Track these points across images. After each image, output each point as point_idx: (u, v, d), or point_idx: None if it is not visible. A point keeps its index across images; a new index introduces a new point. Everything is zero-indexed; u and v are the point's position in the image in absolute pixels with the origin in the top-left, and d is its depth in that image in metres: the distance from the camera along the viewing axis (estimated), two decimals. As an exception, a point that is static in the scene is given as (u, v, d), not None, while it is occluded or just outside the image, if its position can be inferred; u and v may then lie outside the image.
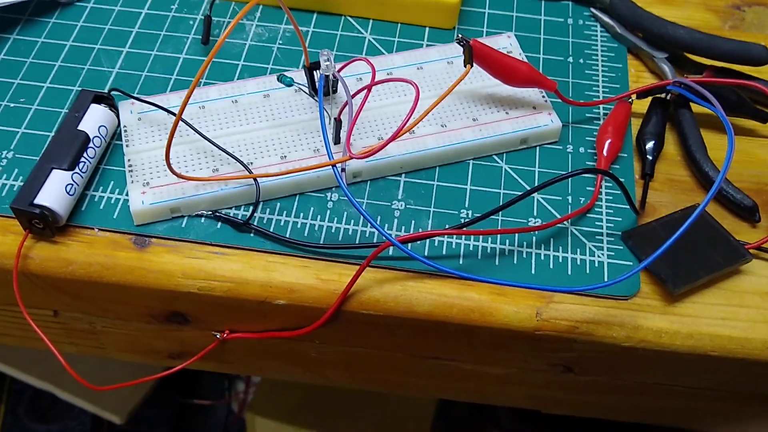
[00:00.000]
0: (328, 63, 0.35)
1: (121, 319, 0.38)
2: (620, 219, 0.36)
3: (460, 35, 0.35)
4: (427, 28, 0.43)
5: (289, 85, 0.37)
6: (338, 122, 0.35)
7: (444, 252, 0.35)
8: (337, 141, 0.36)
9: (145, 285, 0.34)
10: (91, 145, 0.36)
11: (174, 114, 0.37)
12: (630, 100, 0.39)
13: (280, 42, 0.42)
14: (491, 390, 0.41)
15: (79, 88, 0.40)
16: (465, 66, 0.35)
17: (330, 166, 0.33)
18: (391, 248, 0.34)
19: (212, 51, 0.28)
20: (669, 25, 0.41)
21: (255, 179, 0.35)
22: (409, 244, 0.34)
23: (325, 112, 0.34)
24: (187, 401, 0.88)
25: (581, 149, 0.38)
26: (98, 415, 0.79)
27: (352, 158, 0.29)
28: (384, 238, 0.32)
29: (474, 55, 0.35)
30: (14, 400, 0.81)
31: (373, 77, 0.34)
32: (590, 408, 0.41)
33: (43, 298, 0.36)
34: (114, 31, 0.43)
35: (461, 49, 0.35)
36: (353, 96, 0.34)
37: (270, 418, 0.75)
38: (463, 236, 0.35)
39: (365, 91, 0.34)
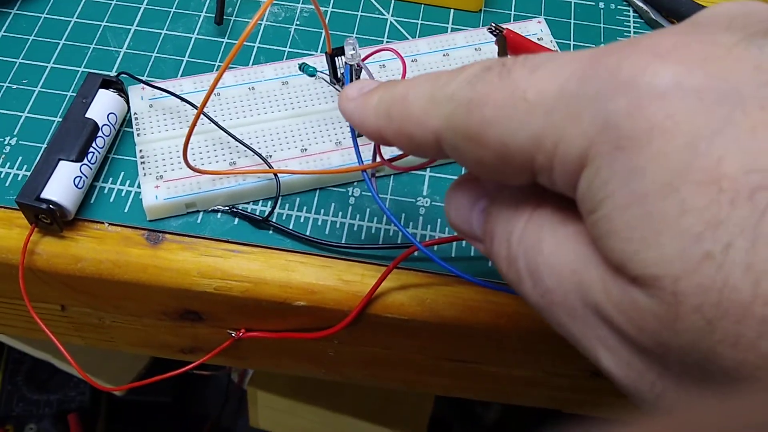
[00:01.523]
0: (353, 52, 0.33)
1: (131, 315, 0.36)
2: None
3: (493, 24, 0.33)
4: (452, 10, 0.41)
5: (312, 75, 0.34)
6: (362, 115, 0.33)
7: (472, 253, 0.33)
8: (360, 134, 0.34)
9: (159, 284, 0.32)
10: (100, 134, 0.34)
11: (189, 102, 0.35)
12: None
13: (298, 23, 0.40)
14: (514, 391, 0.40)
15: (85, 69, 0.38)
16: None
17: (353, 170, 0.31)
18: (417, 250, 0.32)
19: (240, 39, 0.26)
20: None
21: (276, 175, 0.33)
22: (436, 246, 0.33)
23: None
24: (188, 371, 0.88)
25: (614, 144, 0.37)
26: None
27: (384, 164, 0.27)
28: (408, 240, 0.31)
29: (508, 46, 0.33)
30: (13, 370, 0.80)
31: (404, 73, 0.32)
32: (615, 410, 0.41)
33: (50, 294, 0.35)
34: (120, 7, 0.40)
35: (491, 36, 0.33)
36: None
37: (271, 392, 0.75)
38: (493, 238, 0.33)
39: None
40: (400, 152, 0.28)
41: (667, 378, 0.16)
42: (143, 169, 0.33)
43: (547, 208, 0.19)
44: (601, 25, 0.41)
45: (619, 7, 0.42)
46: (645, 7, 0.41)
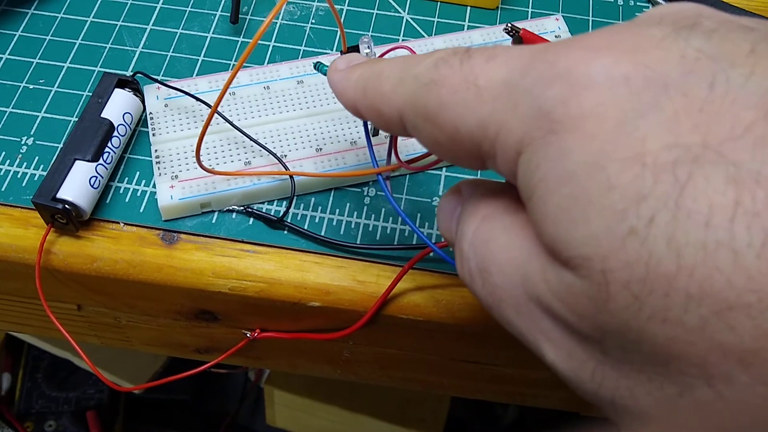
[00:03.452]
0: (368, 51, 0.32)
1: (147, 315, 0.36)
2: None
3: (509, 24, 0.32)
4: (468, 8, 0.40)
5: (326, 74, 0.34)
6: (378, 114, 0.33)
7: (488, 255, 0.33)
8: (375, 133, 0.34)
9: (174, 284, 0.32)
10: (115, 133, 0.34)
11: (204, 102, 0.35)
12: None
13: (313, 21, 0.40)
14: (530, 393, 0.40)
15: (101, 69, 0.38)
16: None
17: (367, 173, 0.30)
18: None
19: (254, 39, 0.26)
20: (728, 8, 0.38)
21: (291, 176, 0.33)
22: (452, 247, 0.32)
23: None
24: (205, 370, 0.88)
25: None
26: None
27: (401, 166, 0.27)
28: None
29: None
30: (33, 367, 0.81)
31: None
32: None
33: (66, 293, 0.35)
34: (136, 7, 0.40)
35: (507, 35, 0.33)
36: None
37: (288, 391, 0.75)
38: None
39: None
40: (416, 153, 0.28)
41: (606, 365, 0.16)
42: (158, 168, 0.33)
43: (500, 207, 0.20)
44: (620, 22, 0.40)
45: (638, 3, 0.41)
46: (664, 4, 0.40)
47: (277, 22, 0.40)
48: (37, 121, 0.36)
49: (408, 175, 0.35)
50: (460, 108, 0.18)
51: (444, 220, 0.23)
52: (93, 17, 0.40)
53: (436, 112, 0.19)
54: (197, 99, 0.35)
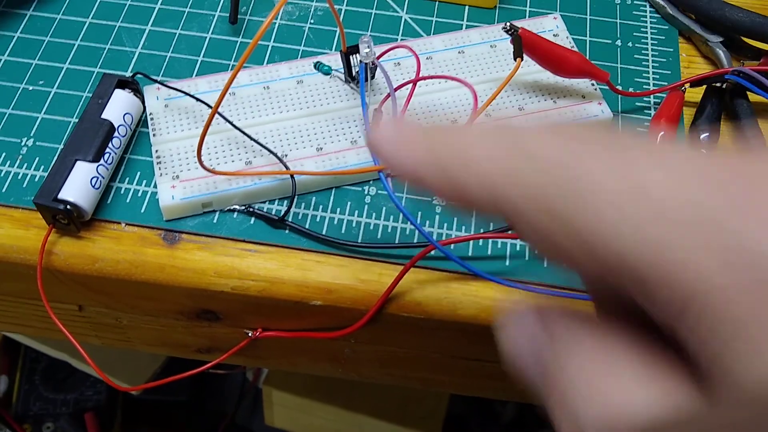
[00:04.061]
0: (368, 50, 0.33)
1: (148, 315, 0.36)
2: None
3: (508, 23, 0.32)
4: (467, 7, 0.41)
5: (327, 74, 0.34)
6: (378, 114, 0.33)
7: (489, 252, 0.33)
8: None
9: (176, 284, 0.32)
10: (116, 134, 0.34)
11: (204, 102, 0.35)
12: (683, 89, 0.37)
13: (312, 21, 0.40)
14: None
15: (101, 70, 0.38)
16: (515, 59, 0.32)
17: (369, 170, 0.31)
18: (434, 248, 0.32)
19: (255, 38, 0.26)
20: (726, 6, 0.38)
21: (292, 175, 0.33)
22: (453, 245, 0.32)
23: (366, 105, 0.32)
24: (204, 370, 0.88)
25: (631, 141, 0.36)
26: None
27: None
28: (425, 239, 0.30)
29: (523, 45, 0.33)
30: (30, 369, 0.81)
31: (418, 71, 0.31)
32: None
33: (67, 294, 0.35)
34: (135, 8, 0.40)
35: (506, 34, 0.33)
36: (396, 89, 0.31)
37: (286, 390, 0.75)
38: (510, 236, 0.33)
39: (410, 84, 0.32)
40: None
41: None
42: (159, 169, 0.33)
43: (640, 370, 0.14)
44: (618, 21, 0.40)
45: (635, 2, 0.41)
46: (662, 2, 0.40)
47: (276, 23, 0.40)
48: (37, 123, 0.36)
49: (408, 174, 0.35)
50: (615, 218, 0.13)
51: (520, 357, 0.16)
52: (92, 18, 0.40)
53: (573, 216, 0.14)
54: (197, 99, 0.35)
